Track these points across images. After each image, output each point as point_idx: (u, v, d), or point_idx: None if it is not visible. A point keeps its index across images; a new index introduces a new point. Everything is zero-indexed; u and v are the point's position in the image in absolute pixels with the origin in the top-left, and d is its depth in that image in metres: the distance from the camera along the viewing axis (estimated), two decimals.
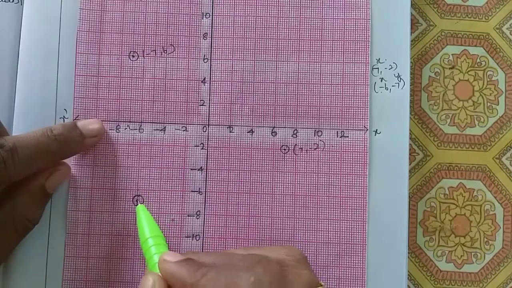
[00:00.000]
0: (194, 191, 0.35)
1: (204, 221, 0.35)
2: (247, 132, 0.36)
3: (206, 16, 0.36)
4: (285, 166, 0.35)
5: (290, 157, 0.35)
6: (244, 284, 0.23)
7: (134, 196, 0.35)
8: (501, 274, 0.37)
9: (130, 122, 0.35)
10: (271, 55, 0.36)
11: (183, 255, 0.26)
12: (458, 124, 0.38)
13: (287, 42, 0.36)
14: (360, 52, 0.36)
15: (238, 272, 0.24)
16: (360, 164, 0.35)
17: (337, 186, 0.35)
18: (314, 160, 0.35)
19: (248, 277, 0.24)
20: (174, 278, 0.25)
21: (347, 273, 0.34)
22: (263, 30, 0.36)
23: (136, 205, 0.34)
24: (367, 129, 0.35)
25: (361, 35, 0.36)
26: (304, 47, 0.36)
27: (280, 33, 0.36)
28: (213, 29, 0.36)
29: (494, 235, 0.37)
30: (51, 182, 0.33)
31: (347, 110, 0.36)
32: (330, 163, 0.35)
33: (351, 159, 0.35)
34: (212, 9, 0.36)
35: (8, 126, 0.34)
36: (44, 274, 0.34)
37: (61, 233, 0.34)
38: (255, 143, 0.35)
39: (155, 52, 0.36)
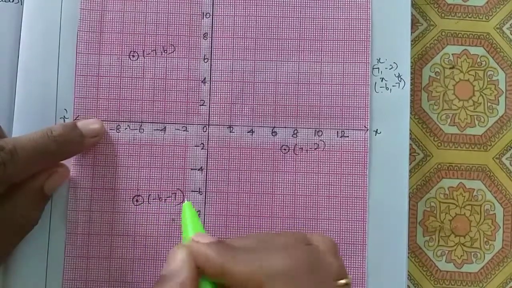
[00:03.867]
0: (194, 191, 0.35)
1: (204, 221, 0.35)
2: (247, 132, 0.36)
3: (206, 16, 0.36)
4: (285, 166, 0.35)
5: (290, 157, 0.35)
6: (279, 265, 0.23)
7: (134, 196, 0.35)
8: (501, 274, 0.37)
9: (130, 122, 0.35)
10: (271, 55, 0.36)
11: (214, 238, 0.26)
12: (458, 124, 0.38)
13: (287, 42, 0.36)
14: (360, 52, 0.36)
15: (270, 253, 0.24)
16: (360, 164, 0.35)
17: (337, 186, 0.35)
18: (314, 160, 0.35)
19: (283, 258, 0.23)
20: (204, 259, 0.24)
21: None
22: (263, 30, 0.36)
23: (183, 203, 0.34)
24: (367, 129, 0.35)
25: (361, 35, 0.36)
26: (304, 47, 0.36)
27: (280, 33, 0.36)
28: (213, 29, 0.36)
29: (494, 235, 0.37)
30: (50, 183, 0.33)
31: (347, 110, 0.36)
32: (330, 163, 0.35)
33: (351, 159, 0.35)
34: (212, 9, 0.36)
35: (8, 127, 0.34)
36: (44, 274, 0.34)
37: (61, 233, 0.34)
38: (255, 143, 0.35)
39: (155, 52, 0.36)
